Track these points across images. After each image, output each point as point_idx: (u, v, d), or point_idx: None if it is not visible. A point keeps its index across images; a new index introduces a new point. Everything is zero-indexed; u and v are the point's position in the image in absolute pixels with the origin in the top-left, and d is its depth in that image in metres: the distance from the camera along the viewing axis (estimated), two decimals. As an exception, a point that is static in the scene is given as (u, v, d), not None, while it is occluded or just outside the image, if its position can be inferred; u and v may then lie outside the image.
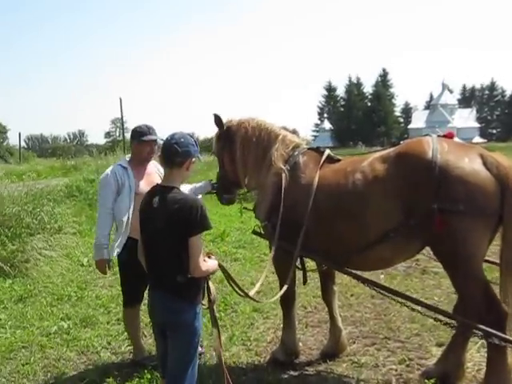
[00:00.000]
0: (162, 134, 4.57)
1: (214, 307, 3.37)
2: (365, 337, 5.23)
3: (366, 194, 3.97)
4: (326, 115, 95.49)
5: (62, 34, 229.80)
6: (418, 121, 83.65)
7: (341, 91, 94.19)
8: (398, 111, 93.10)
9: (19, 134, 51.61)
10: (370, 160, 4.10)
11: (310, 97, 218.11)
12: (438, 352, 4.72)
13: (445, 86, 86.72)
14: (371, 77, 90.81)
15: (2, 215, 9.04)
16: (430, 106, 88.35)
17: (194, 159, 3.28)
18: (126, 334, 5.24)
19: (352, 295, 6.54)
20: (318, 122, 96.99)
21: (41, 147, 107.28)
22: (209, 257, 3.34)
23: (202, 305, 3.30)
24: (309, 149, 4.70)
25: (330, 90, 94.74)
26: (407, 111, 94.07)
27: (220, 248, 9.73)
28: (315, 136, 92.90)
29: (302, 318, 5.81)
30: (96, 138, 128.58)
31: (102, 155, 25.95)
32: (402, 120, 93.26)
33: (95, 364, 4.93)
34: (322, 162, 4.42)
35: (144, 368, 4.56)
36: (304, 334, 5.40)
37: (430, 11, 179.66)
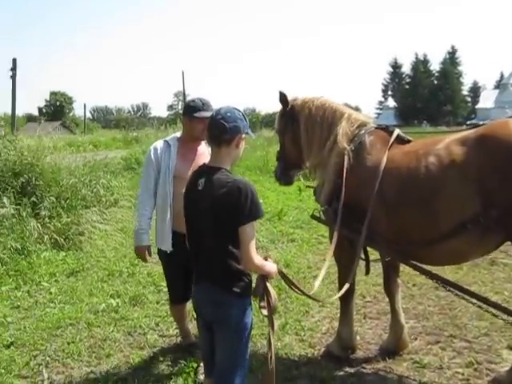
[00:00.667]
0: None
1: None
2: (428, 333, 4.83)
3: (440, 179, 3.55)
4: (390, 92, 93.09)
5: (125, 7, 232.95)
6: (487, 100, 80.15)
7: (407, 68, 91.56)
8: (465, 90, 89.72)
9: (84, 105, 52.90)
10: (447, 142, 3.67)
11: (375, 74, 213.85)
12: (509, 356, 4.33)
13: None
14: (439, 54, 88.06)
15: (59, 186, 9.05)
16: (500, 85, 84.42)
17: (243, 135, 2.96)
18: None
19: (414, 285, 6.11)
20: (382, 99, 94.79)
21: (105, 118, 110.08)
22: (265, 259, 3.00)
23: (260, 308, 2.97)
24: (376, 128, 4.29)
25: (396, 66, 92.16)
26: (475, 90, 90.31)
27: (276, 227, 9.45)
28: (378, 114, 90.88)
29: (361, 309, 5.46)
30: (159, 110, 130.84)
31: (163, 128, 26.07)
32: (469, 99, 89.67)
33: (141, 346, 4.76)
34: (390, 142, 4.02)
35: (191, 355, 4.34)
36: (362, 326, 5.04)
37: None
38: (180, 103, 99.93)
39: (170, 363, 4.39)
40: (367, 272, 4.40)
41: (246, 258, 2.79)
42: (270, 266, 2.93)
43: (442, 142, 3.71)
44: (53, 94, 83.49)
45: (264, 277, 2.92)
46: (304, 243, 8.34)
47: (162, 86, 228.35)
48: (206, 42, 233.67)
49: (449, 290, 3.93)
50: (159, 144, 4.27)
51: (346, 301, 4.33)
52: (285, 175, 5.03)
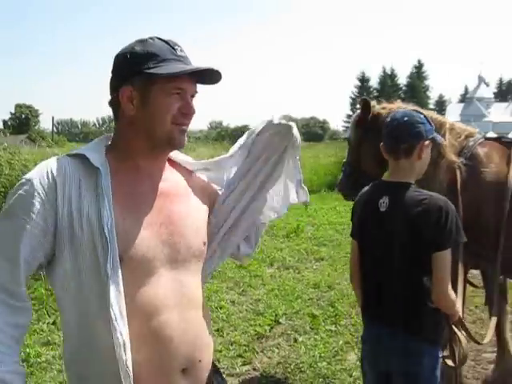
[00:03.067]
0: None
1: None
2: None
3: None
4: (358, 106, 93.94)
5: (91, 23, 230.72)
6: (453, 114, 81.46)
7: (374, 82, 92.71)
8: (432, 103, 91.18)
9: (52, 118, 51.80)
10: None
11: (343, 87, 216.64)
12: None
13: (481, 79, 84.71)
14: (406, 68, 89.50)
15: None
16: (466, 99, 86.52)
17: (426, 142, 2.47)
18: None
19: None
20: (350, 112, 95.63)
21: (70, 132, 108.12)
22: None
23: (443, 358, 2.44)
24: (487, 139, 3.86)
25: (363, 80, 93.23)
26: (441, 104, 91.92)
27: (300, 245, 8.92)
28: (346, 127, 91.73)
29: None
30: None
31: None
32: (435, 113, 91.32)
33: None
34: None
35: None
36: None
37: (465, 2, 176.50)
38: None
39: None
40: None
41: (437, 290, 2.27)
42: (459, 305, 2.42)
43: None
44: (18, 106, 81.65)
45: (448, 318, 2.41)
46: (335, 262, 7.85)
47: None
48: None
49: None
50: (58, 168, 1.53)
51: None
52: (355, 190, 4.58)
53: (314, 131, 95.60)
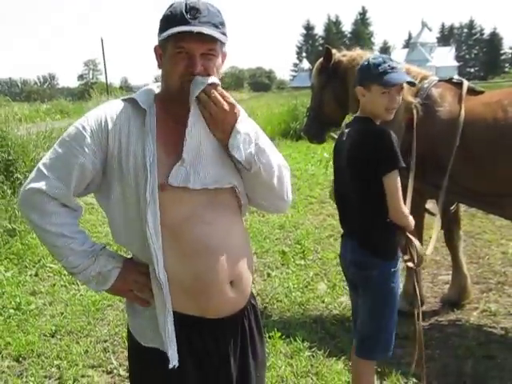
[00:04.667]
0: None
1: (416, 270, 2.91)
2: (476, 282, 4.89)
3: None
4: (304, 54, 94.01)
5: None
6: (398, 60, 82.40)
7: (319, 30, 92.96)
8: (376, 50, 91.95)
9: (-9, 78, 49.82)
10: None
11: (289, 36, 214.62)
12: None
13: (424, 25, 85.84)
14: (350, 15, 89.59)
15: (29, 161, 8.42)
16: (410, 44, 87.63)
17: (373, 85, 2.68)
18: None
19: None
20: (297, 61, 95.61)
21: (11, 91, 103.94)
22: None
23: (404, 261, 2.84)
24: (440, 80, 4.22)
25: (309, 28, 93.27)
26: (386, 50, 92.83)
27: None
28: (294, 76, 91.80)
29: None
30: (67, 81, 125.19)
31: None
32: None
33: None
34: (464, 93, 3.96)
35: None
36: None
37: None
38: (91, 72, 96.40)
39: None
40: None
41: (391, 207, 2.61)
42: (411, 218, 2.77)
43: None
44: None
45: (404, 229, 2.77)
46: (296, 204, 8.11)
47: (69, 55, 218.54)
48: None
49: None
50: (111, 110, 1.82)
51: None
52: (320, 133, 4.93)
53: (261, 81, 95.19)
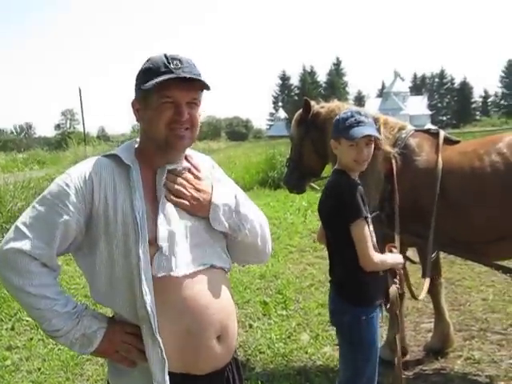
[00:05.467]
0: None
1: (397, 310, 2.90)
2: (458, 330, 4.88)
3: (510, 177, 3.62)
4: (280, 104, 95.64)
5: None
6: (372, 108, 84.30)
7: (295, 80, 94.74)
8: (351, 99, 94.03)
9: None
10: (507, 141, 3.76)
11: (265, 86, 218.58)
12: (547, 343, 4.49)
13: (396, 74, 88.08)
14: (325, 66, 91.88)
15: (6, 211, 8.34)
16: (383, 93, 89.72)
17: (342, 139, 2.76)
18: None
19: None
20: (273, 111, 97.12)
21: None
22: (390, 250, 2.90)
23: (385, 306, 2.86)
24: (417, 130, 4.33)
25: (284, 78, 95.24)
26: (360, 99, 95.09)
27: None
28: (270, 125, 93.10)
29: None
30: (44, 130, 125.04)
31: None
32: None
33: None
34: (440, 143, 4.06)
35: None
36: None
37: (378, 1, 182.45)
38: (68, 121, 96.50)
39: None
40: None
41: (360, 256, 2.65)
42: (394, 259, 2.83)
43: (501, 140, 3.79)
44: None
45: (392, 272, 2.84)
46: (277, 254, 8.14)
47: (46, 105, 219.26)
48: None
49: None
50: (94, 166, 1.80)
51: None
52: (300, 183, 4.98)
53: (238, 130, 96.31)
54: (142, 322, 1.71)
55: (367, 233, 2.65)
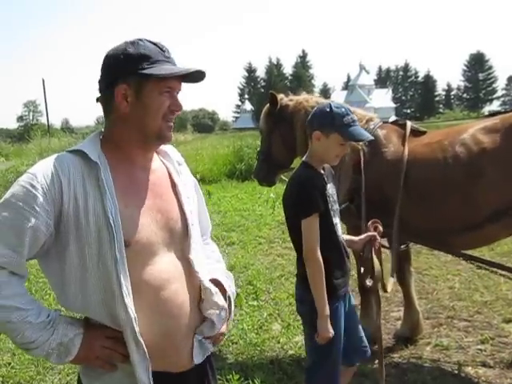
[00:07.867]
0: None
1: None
2: (426, 318, 4.98)
3: (473, 167, 3.66)
4: (246, 96, 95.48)
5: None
6: (338, 101, 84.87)
7: (261, 72, 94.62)
8: (317, 92, 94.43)
9: None
10: (471, 132, 3.81)
11: (231, 79, 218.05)
12: (511, 329, 4.63)
13: (362, 67, 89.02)
14: (291, 58, 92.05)
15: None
16: (348, 86, 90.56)
17: (317, 132, 2.71)
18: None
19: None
20: (239, 103, 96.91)
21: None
22: (375, 227, 2.98)
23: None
24: (385, 122, 4.38)
25: (251, 70, 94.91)
26: (326, 92, 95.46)
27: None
28: (236, 117, 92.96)
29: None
30: (5, 122, 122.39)
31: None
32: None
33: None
34: (407, 134, 4.11)
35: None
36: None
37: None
38: (31, 113, 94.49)
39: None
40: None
41: (304, 251, 2.70)
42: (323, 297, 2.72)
43: (465, 131, 3.84)
44: None
45: (372, 242, 2.93)
46: (246, 245, 8.21)
47: (8, 96, 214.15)
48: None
49: (485, 269, 4.12)
50: (61, 164, 1.67)
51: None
52: (269, 176, 5.00)
53: (205, 122, 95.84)
54: (124, 326, 1.64)
55: (315, 228, 2.66)
